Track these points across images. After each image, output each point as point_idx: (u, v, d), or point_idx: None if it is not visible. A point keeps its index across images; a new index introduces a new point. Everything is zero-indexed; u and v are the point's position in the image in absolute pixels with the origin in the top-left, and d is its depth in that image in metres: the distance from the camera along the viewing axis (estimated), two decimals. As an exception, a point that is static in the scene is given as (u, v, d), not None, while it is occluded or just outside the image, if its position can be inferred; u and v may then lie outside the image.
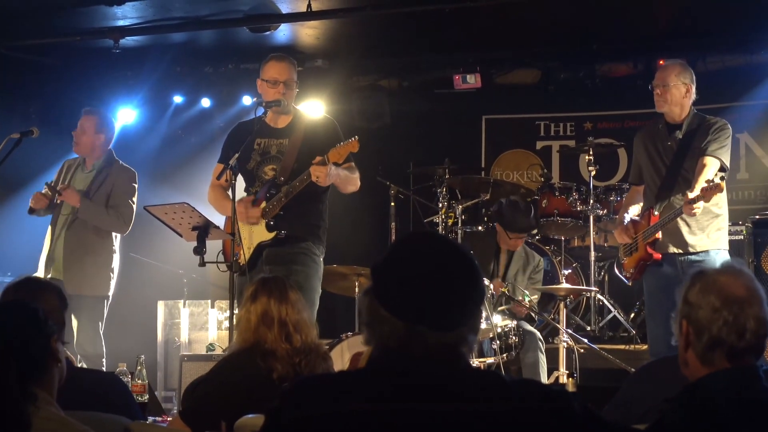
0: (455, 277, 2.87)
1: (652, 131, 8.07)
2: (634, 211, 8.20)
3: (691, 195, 7.38)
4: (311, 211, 7.54)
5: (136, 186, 9.40)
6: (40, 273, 9.11)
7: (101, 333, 9.14)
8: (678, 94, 7.80)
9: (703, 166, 7.56)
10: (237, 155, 7.28)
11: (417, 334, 2.81)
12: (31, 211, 9.23)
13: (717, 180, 7.28)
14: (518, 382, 2.91)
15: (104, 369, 8.27)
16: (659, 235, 7.72)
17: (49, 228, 9.26)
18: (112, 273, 9.30)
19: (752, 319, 3.37)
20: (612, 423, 3.13)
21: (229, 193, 7.41)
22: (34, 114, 11.83)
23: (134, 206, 9.25)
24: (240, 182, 7.78)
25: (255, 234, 7.52)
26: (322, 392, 2.84)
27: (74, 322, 8.96)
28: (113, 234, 9.31)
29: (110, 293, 9.25)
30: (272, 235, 7.43)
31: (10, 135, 8.46)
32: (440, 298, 2.83)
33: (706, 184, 7.30)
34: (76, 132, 9.23)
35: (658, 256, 7.77)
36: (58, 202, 9.13)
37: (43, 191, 9.11)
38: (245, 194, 7.75)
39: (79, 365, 8.64)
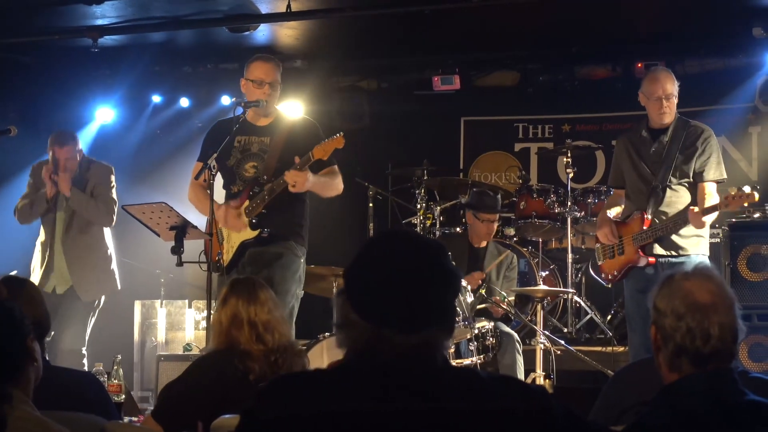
0: (421, 278, 2.86)
1: (635, 137, 8.10)
2: (612, 213, 8.23)
3: (707, 205, 7.54)
4: (294, 210, 7.54)
5: (113, 179, 9.39)
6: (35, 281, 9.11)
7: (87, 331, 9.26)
8: (676, 101, 7.87)
9: (707, 194, 7.68)
10: (216, 155, 7.29)
11: (383, 337, 2.81)
12: (31, 213, 9.26)
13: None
14: (497, 380, 2.90)
15: (86, 367, 8.26)
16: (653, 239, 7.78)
17: (42, 237, 9.24)
18: (115, 270, 9.47)
19: (716, 325, 3.36)
20: (591, 423, 3.14)
21: (205, 190, 7.51)
22: (12, 112, 11.78)
23: (116, 199, 9.25)
24: (218, 180, 7.80)
25: (243, 231, 7.52)
26: (296, 393, 2.84)
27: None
28: (105, 235, 9.32)
29: (117, 288, 9.51)
30: (255, 233, 7.44)
31: (-12, 134, 8.44)
32: (405, 301, 2.82)
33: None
34: (61, 164, 9.12)
35: (652, 260, 7.80)
36: (51, 195, 9.11)
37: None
38: (224, 191, 7.75)
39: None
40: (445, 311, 2.91)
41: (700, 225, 7.58)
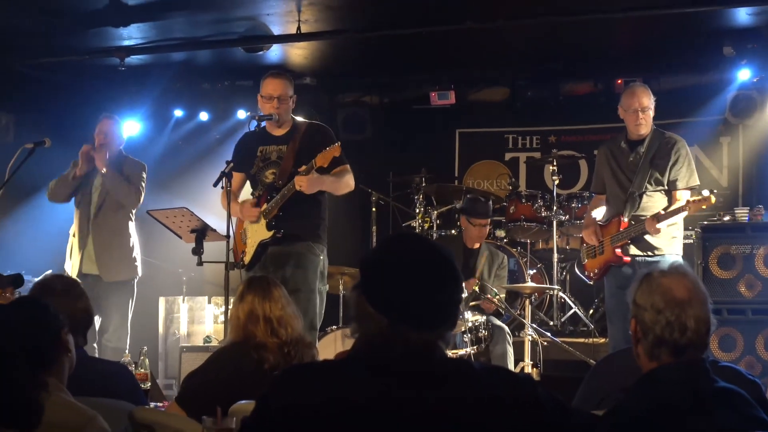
0: (438, 280, 2.85)
1: (614, 147, 8.11)
2: (597, 216, 8.27)
3: (663, 213, 7.60)
4: (309, 211, 7.49)
5: (145, 175, 9.30)
6: (71, 267, 9.06)
7: (128, 326, 9.17)
8: (652, 114, 7.87)
9: (677, 200, 7.72)
10: (232, 164, 7.30)
11: (399, 332, 2.80)
12: (60, 188, 9.19)
13: (705, 193, 7.38)
14: (488, 369, 2.90)
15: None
16: (628, 240, 7.80)
17: (74, 227, 9.20)
18: (137, 257, 9.30)
19: (692, 318, 3.39)
20: (573, 408, 3.15)
21: (235, 196, 7.66)
22: (47, 126, 11.75)
23: (143, 188, 9.18)
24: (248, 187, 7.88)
25: (258, 233, 7.52)
26: (307, 382, 2.83)
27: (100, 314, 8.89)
28: (131, 222, 9.27)
29: (138, 275, 9.28)
30: (271, 233, 7.43)
31: (25, 145, 8.43)
32: (423, 300, 2.82)
33: (686, 203, 7.54)
34: (103, 136, 9.11)
35: (627, 259, 7.83)
36: (82, 173, 9.06)
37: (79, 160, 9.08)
38: (250, 197, 7.76)
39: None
40: (454, 310, 2.91)
41: (655, 231, 7.63)
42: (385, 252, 2.95)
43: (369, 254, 2.96)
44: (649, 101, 7.85)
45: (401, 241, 3.01)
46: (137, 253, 9.32)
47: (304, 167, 7.23)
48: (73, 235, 9.21)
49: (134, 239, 9.29)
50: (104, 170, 9.00)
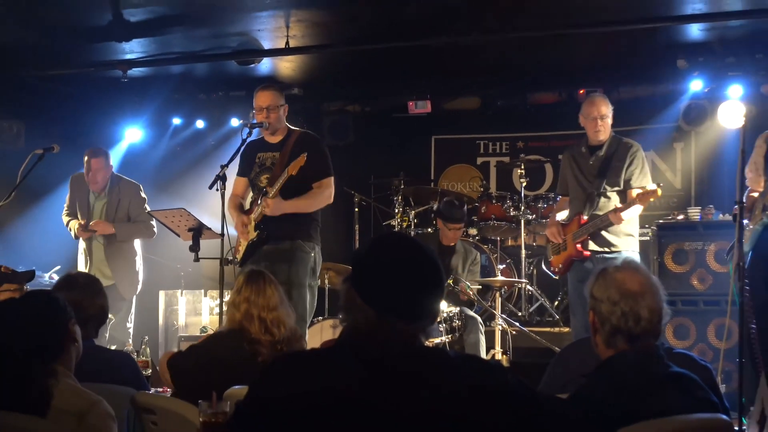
0: (423, 276, 2.87)
1: (576, 152, 8.14)
2: (561, 216, 8.30)
3: (620, 206, 7.62)
4: (296, 214, 7.47)
5: (144, 195, 9.44)
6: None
7: (131, 319, 9.47)
8: (610, 122, 7.89)
9: (633, 198, 7.71)
10: (226, 167, 7.28)
11: (386, 323, 2.80)
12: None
13: (651, 186, 7.43)
14: (462, 358, 2.91)
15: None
16: (588, 236, 7.83)
17: (83, 245, 9.39)
18: (140, 272, 9.61)
19: (646, 309, 3.42)
20: (539, 392, 3.16)
21: (235, 200, 7.76)
22: (55, 133, 11.71)
23: (149, 214, 9.29)
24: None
25: (249, 234, 7.53)
26: (296, 371, 2.84)
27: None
28: (136, 245, 9.52)
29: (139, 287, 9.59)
30: (256, 234, 7.45)
31: (35, 150, 8.42)
32: (410, 294, 2.83)
33: (636, 196, 7.58)
34: (92, 173, 9.29)
35: (587, 254, 7.86)
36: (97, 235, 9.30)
37: (77, 227, 9.29)
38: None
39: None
40: (435, 305, 2.92)
41: (619, 221, 7.66)
42: (375, 250, 2.95)
43: (360, 251, 2.99)
44: (607, 110, 7.89)
45: (390, 240, 3.02)
46: (141, 268, 9.62)
47: (270, 189, 7.28)
48: (84, 252, 9.35)
49: (138, 256, 9.50)
50: (114, 231, 9.30)
